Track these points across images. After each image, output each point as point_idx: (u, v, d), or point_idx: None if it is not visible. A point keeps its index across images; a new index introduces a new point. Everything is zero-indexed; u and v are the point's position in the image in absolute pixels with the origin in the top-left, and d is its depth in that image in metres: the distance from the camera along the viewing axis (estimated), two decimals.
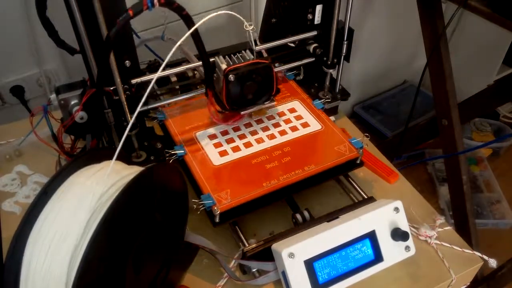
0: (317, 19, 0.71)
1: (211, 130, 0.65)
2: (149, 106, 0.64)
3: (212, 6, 1.08)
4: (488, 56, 1.70)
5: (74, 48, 0.62)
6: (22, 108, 1.02)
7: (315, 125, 0.66)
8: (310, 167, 0.60)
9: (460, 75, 1.32)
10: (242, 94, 0.60)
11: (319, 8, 0.69)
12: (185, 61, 0.71)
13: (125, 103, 0.58)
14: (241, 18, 0.53)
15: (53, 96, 0.58)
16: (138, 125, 0.63)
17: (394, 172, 0.71)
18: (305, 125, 0.66)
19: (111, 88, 0.57)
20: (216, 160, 0.60)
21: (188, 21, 0.48)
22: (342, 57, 0.73)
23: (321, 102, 0.70)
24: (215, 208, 0.54)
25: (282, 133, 0.65)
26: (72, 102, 0.57)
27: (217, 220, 0.55)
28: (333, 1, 0.66)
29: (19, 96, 1.01)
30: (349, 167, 0.64)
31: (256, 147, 0.63)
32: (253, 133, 0.65)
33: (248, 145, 0.63)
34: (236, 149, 0.62)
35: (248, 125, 0.66)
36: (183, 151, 0.61)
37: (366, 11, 1.53)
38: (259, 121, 0.67)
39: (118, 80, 0.56)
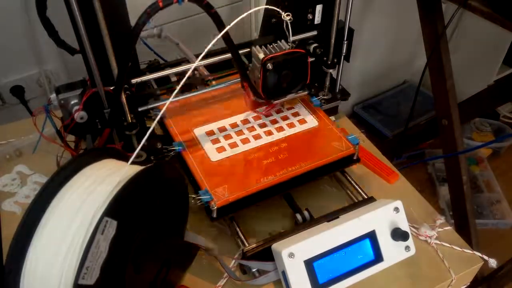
0: (317, 19, 0.70)
1: (209, 127, 0.65)
2: (149, 106, 0.64)
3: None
4: (488, 56, 1.70)
5: (74, 48, 0.62)
6: (22, 108, 1.02)
7: (312, 122, 0.67)
8: (307, 163, 0.60)
9: (460, 75, 1.32)
10: (278, 83, 0.61)
11: (319, 8, 0.69)
12: (185, 60, 0.71)
13: (125, 103, 0.58)
14: (278, 10, 0.55)
15: (53, 96, 0.58)
16: (138, 125, 0.62)
17: (394, 172, 0.71)
18: (302, 121, 0.67)
19: (111, 88, 0.57)
20: (214, 156, 0.61)
21: (216, 19, 0.49)
22: (342, 57, 0.73)
23: (318, 99, 0.71)
24: (213, 203, 0.55)
25: (279, 129, 0.65)
26: (72, 102, 0.57)
27: (214, 215, 0.56)
28: (333, 1, 0.66)
29: (19, 96, 1.01)
30: (346, 163, 0.64)
31: (253, 143, 0.63)
32: (251, 129, 0.65)
33: (245, 141, 0.63)
34: (233, 145, 0.63)
35: (246, 121, 0.66)
36: (181, 147, 0.61)
37: (366, 11, 1.53)
38: (257, 118, 0.67)
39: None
